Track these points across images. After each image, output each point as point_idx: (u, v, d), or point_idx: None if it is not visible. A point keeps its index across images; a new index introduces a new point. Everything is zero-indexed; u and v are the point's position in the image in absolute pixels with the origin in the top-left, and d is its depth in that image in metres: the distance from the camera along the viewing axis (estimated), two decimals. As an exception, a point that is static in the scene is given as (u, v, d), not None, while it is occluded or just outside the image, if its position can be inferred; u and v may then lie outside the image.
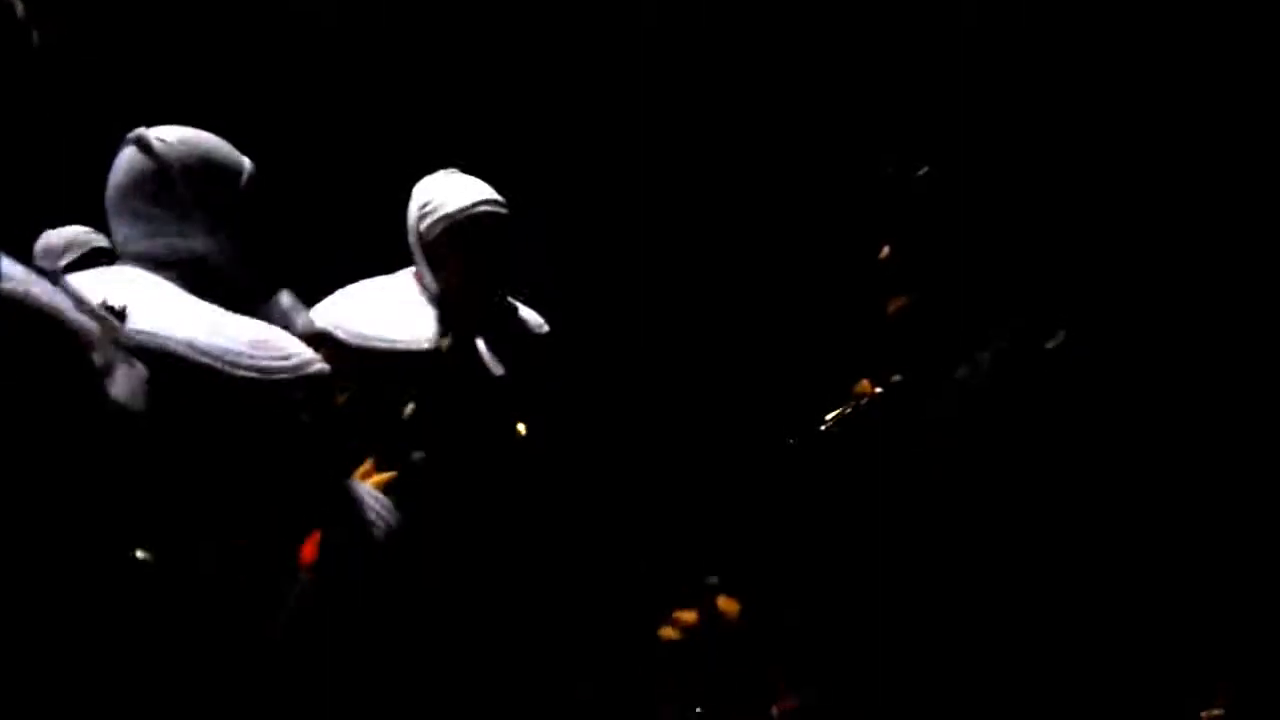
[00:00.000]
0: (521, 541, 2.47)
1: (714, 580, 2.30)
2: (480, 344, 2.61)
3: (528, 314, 2.74)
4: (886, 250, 1.85)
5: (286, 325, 1.86)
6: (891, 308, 2.00)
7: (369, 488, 1.73)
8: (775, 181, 3.56)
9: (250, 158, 2.36)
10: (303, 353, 1.61)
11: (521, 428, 2.52)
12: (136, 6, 3.72)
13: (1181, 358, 2.23)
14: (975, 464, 1.97)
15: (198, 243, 1.66)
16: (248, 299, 1.76)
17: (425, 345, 2.55)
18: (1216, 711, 1.58)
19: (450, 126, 3.68)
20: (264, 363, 1.55)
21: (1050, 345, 1.86)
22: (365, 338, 2.54)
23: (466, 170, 2.69)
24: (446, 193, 2.60)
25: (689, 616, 2.07)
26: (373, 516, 1.63)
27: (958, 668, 2.02)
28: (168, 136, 1.71)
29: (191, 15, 3.73)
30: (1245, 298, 2.82)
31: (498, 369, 2.59)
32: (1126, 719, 1.92)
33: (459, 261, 2.57)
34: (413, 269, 2.65)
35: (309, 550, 1.55)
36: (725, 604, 2.13)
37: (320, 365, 1.60)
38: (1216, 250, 2.94)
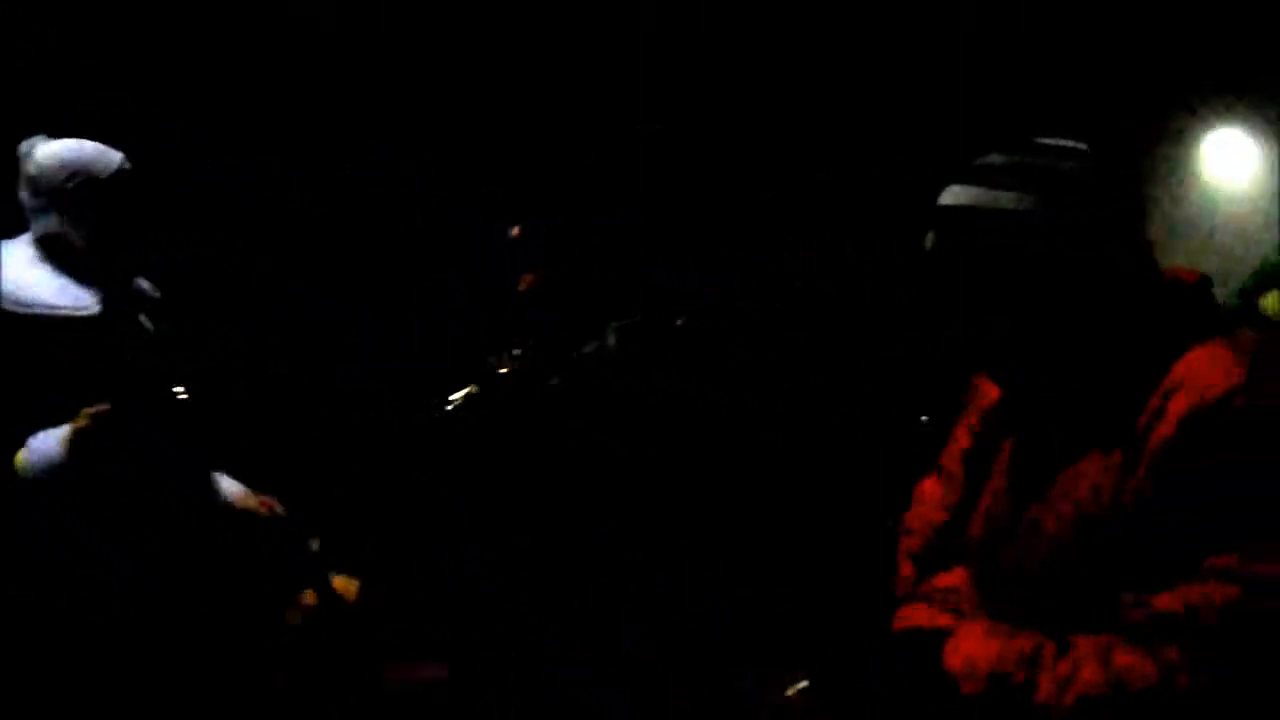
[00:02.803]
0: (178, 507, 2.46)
1: (316, 545, 2.30)
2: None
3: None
4: (517, 230, 1.87)
5: None
6: (522, 284, 2.04)
7: None
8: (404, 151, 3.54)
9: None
10: None
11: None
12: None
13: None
14: (597, 436, 2.05)
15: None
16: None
17: (87, 310, 2.49)
18: (799, 686, 1.64)
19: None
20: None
21: (679, 323, 1.92)
22: (28, 304, 2.43)
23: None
24: (84, 156, 2.53)
25: (309, 597, 2.08)
26: None
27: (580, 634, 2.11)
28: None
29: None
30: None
31: (149, 326, 2.60)
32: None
33: (106, 222, 2.52)
34: (28, 235, 2.57)
35: None
36: (342, 584, 2.14)
37: None
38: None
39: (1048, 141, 1.59)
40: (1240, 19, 3.04)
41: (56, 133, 2.54)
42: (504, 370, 2.21)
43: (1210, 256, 2.90)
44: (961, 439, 1.81)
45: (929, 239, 1.59)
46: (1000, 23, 3.23)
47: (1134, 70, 3.10)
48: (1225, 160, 3.04)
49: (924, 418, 2.54)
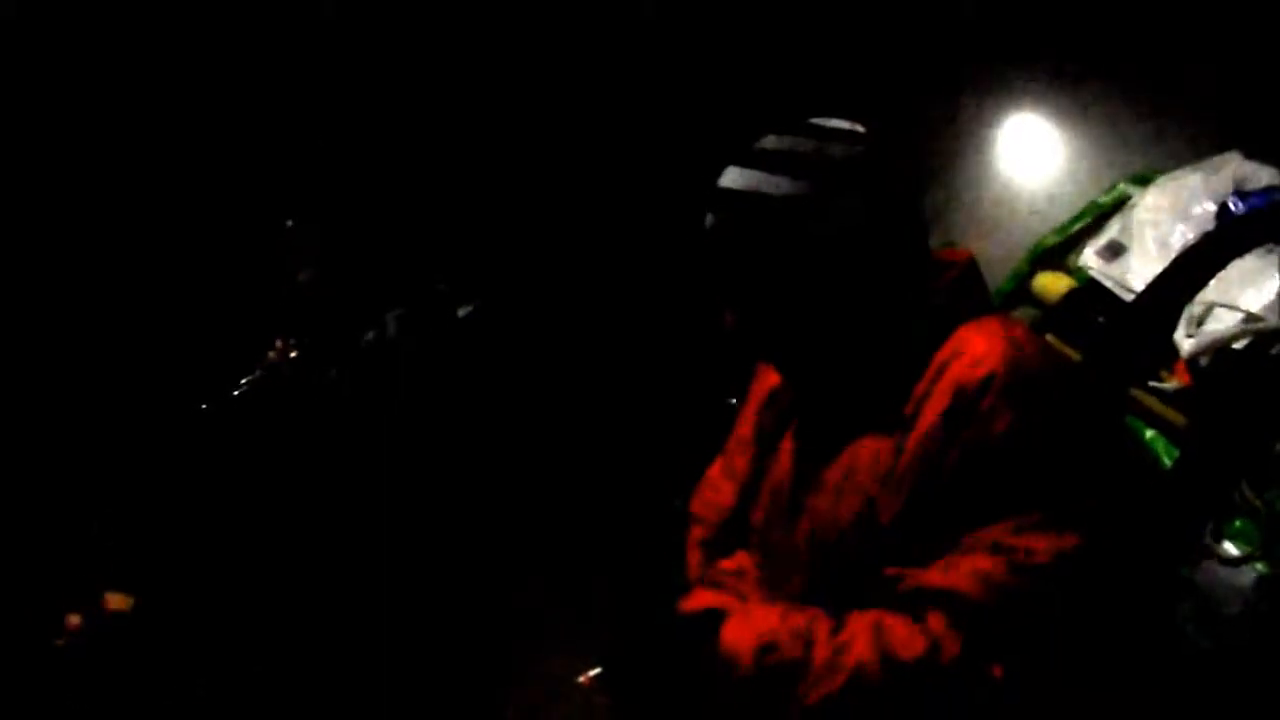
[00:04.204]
0: None
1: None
2: None
3: None
4: (291, 223, 1.84)
5: None
6: (301, 276, 2.00)
7: None
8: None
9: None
10: None
11: None
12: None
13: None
14: (379, 424, 2.03)
15: None
16: None
17: None
18: (592, 673, 1.65)
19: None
20: None
21: (462, 314, 1.91)
22: None
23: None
24: None
25: (74, 620, 2.00)
26: None
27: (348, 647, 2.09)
28: None
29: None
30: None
31: None
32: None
33: None
34: None
35: None
36: (115, 600, 2.07)
37: None
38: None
39: (823, 124, 1.60)
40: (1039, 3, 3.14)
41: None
42: (291, 357, 2.16)
43: (1013, 242, 3.00)
44: (745, 423, 1.82)
45: (708, 220, 1.59)
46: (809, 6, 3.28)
47: (936, 54, 3.18)
48: (1027, 146, 3.15)
49: (732, 400, 2.57)
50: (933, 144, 3.12)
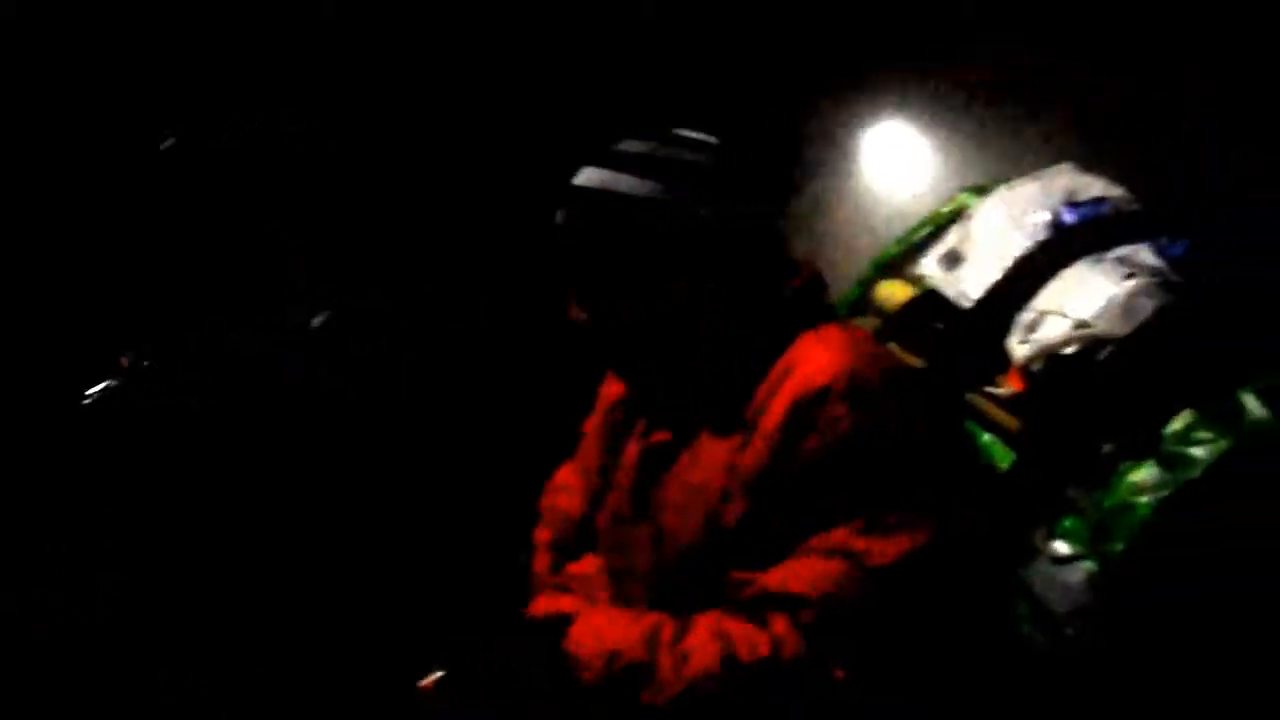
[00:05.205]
0: None
1: None
2: None
3: None
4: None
5: None
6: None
7: None
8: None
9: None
10: None
11: None
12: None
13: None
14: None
15: None
16: None
17: None
18: (435, 676, 1.64)
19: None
20: None
21: (316, 322, 1.89)
22: None
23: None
24: None
25: None
26: None
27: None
28: None
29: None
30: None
31: None
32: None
33: None
34: None
35: None
36: None
37: None
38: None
39: (681, 132, 1.63)
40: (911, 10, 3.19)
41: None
42: (145, 364, 2.08)
43: (874, 251, 3.06)
44: (594, 426, 1.83)
45: (559, 216, 1.60)
46: (676, 16, 3.30)
47: (805, 64, 3.22)
48: (893, 157, 3.20)
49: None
50: (803, 154, 3.15)
